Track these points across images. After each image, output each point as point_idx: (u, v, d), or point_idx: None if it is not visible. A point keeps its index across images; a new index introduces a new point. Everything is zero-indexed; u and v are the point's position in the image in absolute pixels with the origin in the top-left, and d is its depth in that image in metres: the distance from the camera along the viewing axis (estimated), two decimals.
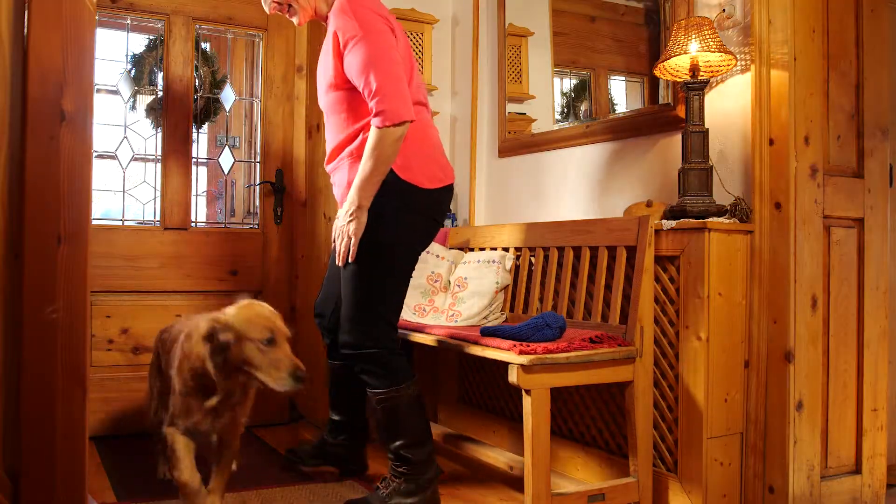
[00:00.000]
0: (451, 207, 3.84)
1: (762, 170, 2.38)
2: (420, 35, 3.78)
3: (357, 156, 2.33)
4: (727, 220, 2.36)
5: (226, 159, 3.62)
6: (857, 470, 2.49)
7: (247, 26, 3.62)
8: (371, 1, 2.34)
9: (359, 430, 2.77)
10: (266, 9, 2.48)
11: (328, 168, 2.51)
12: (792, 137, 2.33)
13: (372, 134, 2.23)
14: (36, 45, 1.42)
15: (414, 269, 2.46)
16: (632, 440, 2.36)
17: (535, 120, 3.53)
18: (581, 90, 3.42)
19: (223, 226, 3.68)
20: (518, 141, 3.53)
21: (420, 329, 2.73)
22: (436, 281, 3.03)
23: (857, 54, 2.52)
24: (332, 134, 2.45)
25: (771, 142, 2.36)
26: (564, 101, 3.46)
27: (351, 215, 2.28)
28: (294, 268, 3.67)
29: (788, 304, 2.31)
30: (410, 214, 2.36)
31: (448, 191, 2.45)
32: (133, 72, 3.42)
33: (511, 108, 3.60)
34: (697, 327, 2.31)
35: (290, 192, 3.67)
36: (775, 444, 2.32)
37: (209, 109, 3.59)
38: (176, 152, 3.46)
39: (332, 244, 2.43)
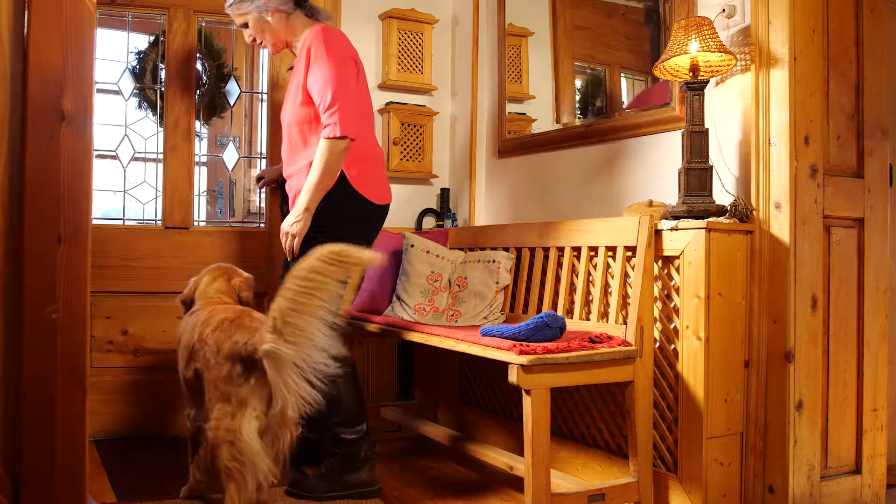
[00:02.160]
0: (451, 207, 3.84)
1: (762, 170, 2.38)
2: (420, 35, 3.78)
3: (303, 164, 2.62)
4: (727, 220, 2.36)
5: (230, 156, 3.52)
6: (857, 470, 2.49)
7: None
8: (343, 38, 2.67)
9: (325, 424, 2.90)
10: (246, 40, 2.77)
11: (286, 173, 2.76)
12: (792, 137, 2.33)
13: (321, 144, 2.51)
14: (36, 45, 1.42)
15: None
16: (632, 440, 2.36)
17: (535, 120, 3.53)
18: (582, 89, 3.42)
19: (227, 225, 3.60)
20: (518, 141, 3.53)
21: (420, 329, 2.73)
22: (436, 281, 3.03)
23: (857, 54, 2.52)
24: (293, 144, 2.70)
25: (771, 142, 2.36)
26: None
27: (298, 217, 2.55)
28: None
29: (788, 304, 2.31)
30: (357, 222, 2.66)
31: (387, 208, 2.78)
32: (136, 69, 3.38)
33: (511, 108, 3.60)
34: (697, 327, 2.31)
35: None
36: (775, 444, 2.32)
37: (215, 104, 3.48)
38: (177, 149, 3.37)
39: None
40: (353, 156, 2.58)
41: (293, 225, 2.56)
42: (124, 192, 3.38)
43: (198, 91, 3.43)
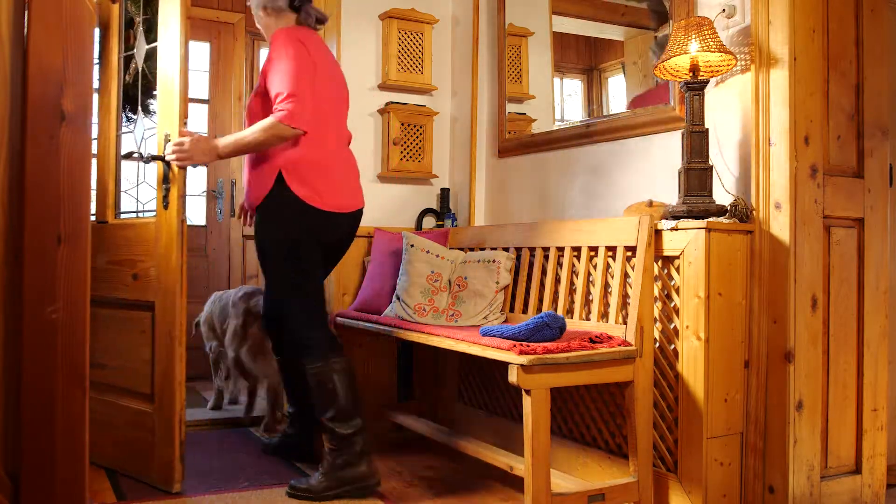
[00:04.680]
0: (451, 207, 3.84)
1: (762, 170, 2.38)
2: (420, 35, 3.78)
3: (255, 155, 2.62)
4: (727, 220, 2.36)
5: (139, 129, 2.89)
6: (857, 470, 2.49)
7: None
8: (309, 41, 2.63)
9: (308, 418, 2.96)
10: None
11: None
12: (792, 137, 2.33)
13: (269, 120, 2.48)
14: (36, 45, 1.42)
15: (318, 265, 2.70)
16: (632, 440, 2.36)
17: (535, 120, 3.53)
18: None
19: (136, 216, 2.89)
20: (518, 141, 3.53)
21: (419, 329, 2.73)
22: (436, 281, 3.03)
23: (857, 54, 2.52)
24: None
25: (771, 142, 2.36)
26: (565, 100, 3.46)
27: (206, 154, 2.56)
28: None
29: (788, 304, 2.31)
30: (296, 223, 2.59)
31: (343, 216, 2.68)
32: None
33: (511, 108, 3.60)
34: (697, 327, 2.31)
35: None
36: (775, 444, 2.32)
37: (138, 76, 2.88)
38: (101, 126, 2.94)
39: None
40: (299, 158, 2.57)
41: (191, 150, 2.53)
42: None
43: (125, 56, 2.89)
